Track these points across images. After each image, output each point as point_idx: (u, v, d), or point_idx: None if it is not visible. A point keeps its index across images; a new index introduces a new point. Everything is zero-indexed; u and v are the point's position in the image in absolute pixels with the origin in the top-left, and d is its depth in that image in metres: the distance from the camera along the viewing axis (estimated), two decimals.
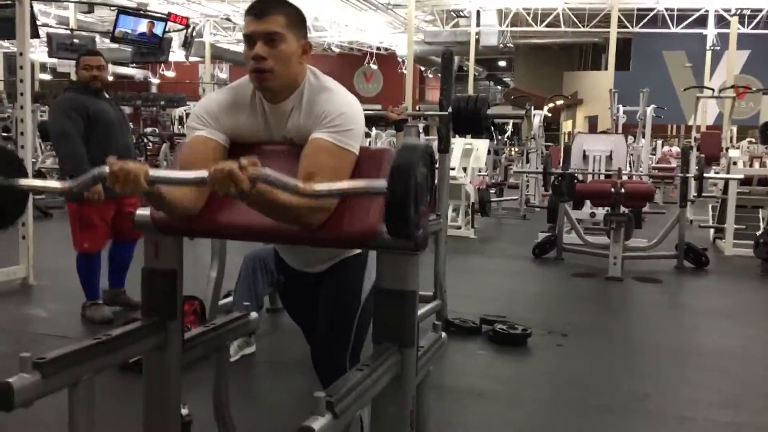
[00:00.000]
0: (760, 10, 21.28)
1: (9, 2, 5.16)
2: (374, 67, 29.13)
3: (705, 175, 6.44)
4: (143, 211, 1.80)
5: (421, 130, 10.50)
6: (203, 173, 1.39)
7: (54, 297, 4.79)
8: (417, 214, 1.39)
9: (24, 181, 1.63)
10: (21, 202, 1.72)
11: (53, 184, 1.69)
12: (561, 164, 6.51)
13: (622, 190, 5.71)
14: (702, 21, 22.07)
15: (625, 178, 6.96)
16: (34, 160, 8.99)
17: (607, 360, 3.82)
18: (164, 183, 1.53)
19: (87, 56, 4.15)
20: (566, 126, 26.40)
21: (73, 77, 18.61)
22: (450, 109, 3.67)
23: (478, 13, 23.69)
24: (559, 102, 22.92)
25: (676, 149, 17.24)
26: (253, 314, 2.21)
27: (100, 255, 4.19)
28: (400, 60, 28.33)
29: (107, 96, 4.23)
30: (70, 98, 4.03)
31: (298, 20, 1.73)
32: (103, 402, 1.67)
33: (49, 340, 3.81)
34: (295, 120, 1.74)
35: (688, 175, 6.38)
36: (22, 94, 4.92)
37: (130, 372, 2.69)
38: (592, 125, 23.29)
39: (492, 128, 6.30)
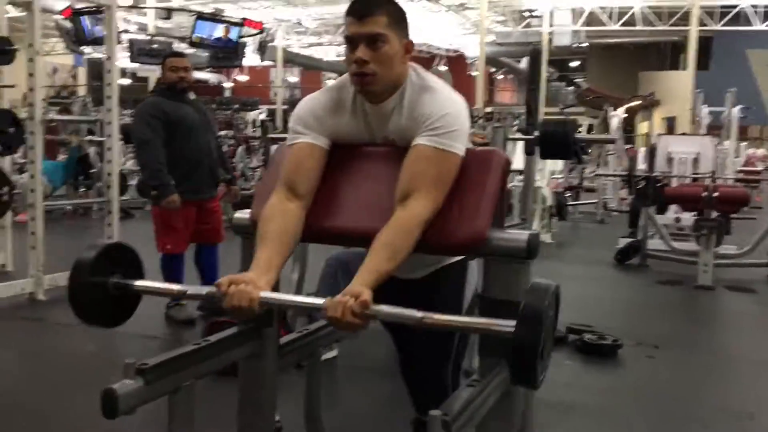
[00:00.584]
0: None
1: (98, 8, 5.30)
2: (444, 68, 28.95)
3: None
4: (242, 214, 1.76)
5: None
6: (319, 303, 1.42)
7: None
8: (543, 361, 1.33)
9: (140, 283, 1.62)
10: (133, 302, 1.69)
11: (170, 286, 1.72)
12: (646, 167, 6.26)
13: (715, 194, 5.43)
14: None
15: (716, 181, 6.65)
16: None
17: (703, 374, 3.61)
18: (275, 305, 1.58)
19: (173, 57, 4.21)
20: (642, 128, 25.60)
21: (152, 82, 19.10)
22: (537, 133, 3.57)
23: (552, 12, 23.27)
24: (636, 103, 22.24)
25: (762, 151, 16.47)
26: None
27: (183, 256, 4.24)
28: (468, 61, 28.10)
29: (192, 97, 4.25)
30: (152, 103, 4.08)
31: (400, 18, 1.66)
32: (198, 408, 1.64)
33: (135, 339, 3.87)
34: (396, 121, 1.67)
35: None
36: (109, 97, 5.05)
37: (222, 377, 2.68)
38: (670, 127, 22.50)
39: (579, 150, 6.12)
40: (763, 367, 3.77)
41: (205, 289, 1.56)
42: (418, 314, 1.39)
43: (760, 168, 12.49)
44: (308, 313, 1.62)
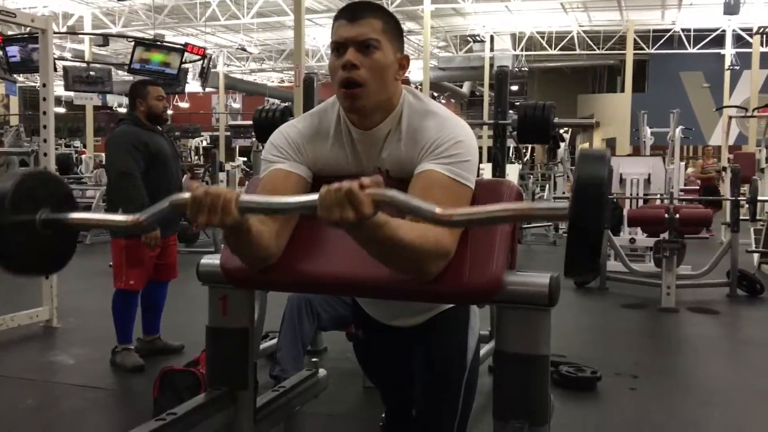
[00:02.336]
0: None
1: (31, 35, 4.96)
2: None
3: (759, 198, 6.11)
4: (210, 260, 1.51)
5: None
6: (312, 197, 1.11)
7: (80, 341, 4.49)
8: (600, 246, 1.09)
9: (78, 215, 1.35)
10: (70, 241, 1.43)
11: (117, 217, 1.39)
12: None
13: (677, 216, 5.39)
14: (719, 41, 21.84)
15: (666, 202, 6.66)
16: None
17: (689, 406, 3.44)
18: (260, 211, 1.25)
19: (155, 86, 3.95)
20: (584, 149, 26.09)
21: (88, 111, 18.40)
22: (514, 117, 3.42)
23: (492, 37, 23.62)
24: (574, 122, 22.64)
25: (691, 170, 16.86)
26: (322, 371, 1.93)
27: (139, 295, 3.92)
28: (413, 86, 28.24)
29: (160, 128, 4.02)
30: (131, 133, 3.79)
31: (396, 28, 1.45)
32: None
33: (78, 391, 3.52)
34: (393, 149, 1.45)
35: (740, 198, 6.05)
36: (45, 127, 4.69)
37: None
38: (611, 148, 22.99)
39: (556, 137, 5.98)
40: (746, 395, 3.66)
41: (167, 205, 1.22)
42: (436, 209, 1.12)
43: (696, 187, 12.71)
44: (298, 213, 1.24)
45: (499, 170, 3.70)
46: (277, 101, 25.27)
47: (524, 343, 1.32)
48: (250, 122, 4.23)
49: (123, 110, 26.30)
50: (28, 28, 6.36)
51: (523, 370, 1.32)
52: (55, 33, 7.84)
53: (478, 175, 1.43)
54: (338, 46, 1.41)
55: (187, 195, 1.17)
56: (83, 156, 17.04)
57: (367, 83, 1.39)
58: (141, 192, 3.66)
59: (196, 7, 19.35)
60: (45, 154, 4.75)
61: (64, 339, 4.57)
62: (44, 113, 4.69)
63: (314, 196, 1.10)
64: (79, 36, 19.24)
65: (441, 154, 1.37)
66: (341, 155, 1.49)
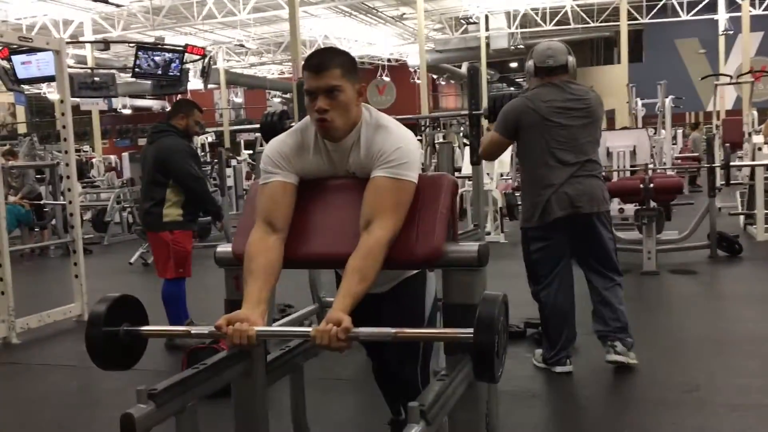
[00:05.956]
0: None
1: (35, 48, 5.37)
2: (386, 79, 29.38)
3: (732, 163, 6.49)
4: (224, 248, 1.96)
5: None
6: (308, 332, 1.65)
7: None
8: (499, 359, 1.56)
9: (148, 328, 1.82)
10: (141, 346, 1.86)
11: (175, 328, 1.91)
12: None
13: (651, 186, 5.79)
14: (712, 6, 22.00)
15: (651, 172, 7.04)
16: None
17: (655, 355, 3.89)
18: (270, 336, 1.86)
19: (199, 112, 4.50)
20: None
21: (95, 115, 18.67)
22: (485, 106, 3.83)
23: (487, 17, 23.87)
24: None
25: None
26: None
27: (185, 282, 4.46)
28: (411, 70, 28.56)
29: None
30: (185, 144, 4.38)
31: (351, 67, 1.88)
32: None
33: (115, 373, 3.97)
34: (355, 156, 1.90)
35: (714, 165, 6.44)
36: (65, 140, 5.14)
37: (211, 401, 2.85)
38: (609, 120, 23.27)
39: None
40: (709, 342, 4.09)
41: (207, 329, 1.74)
42: (392, 331, 1.61)
43: (696, 154, 13.06)
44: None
45: (476, 156, 4.10)
46: (277, 101, 25.55)
47: (463, 296, 1.76)
48: (251, 125, 4.76)
49: (127, 112, 26.79)
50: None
51: (464, 316, 1.75)
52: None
53: None
54: (309, 93, 1.85)
55: (223, 329, 1.66)
56: (93, 160, 17.50)
57: (334, 119, 1.84)
58: (209, 190, 4.59)
59: (193, 6, 19.71)
60: (67, 164, 5.21)
61: None
62: (64, 127, 5.15)
63: (309, 330, 1.64)
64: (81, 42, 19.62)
65: (385, 161, 1.82)
66: (320, 163, 1.95)
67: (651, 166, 7.11)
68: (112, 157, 18.03)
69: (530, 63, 3.59)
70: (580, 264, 3.74)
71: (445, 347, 1.79)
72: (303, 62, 1.87)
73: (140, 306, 1.84)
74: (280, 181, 1.90)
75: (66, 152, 5.19)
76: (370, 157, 1.86)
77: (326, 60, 1.83)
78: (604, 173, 3.80)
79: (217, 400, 2.20)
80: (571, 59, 3.55)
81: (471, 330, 1.51)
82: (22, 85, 13.09)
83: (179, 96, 27.18)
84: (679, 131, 18.13)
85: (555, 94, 3.48)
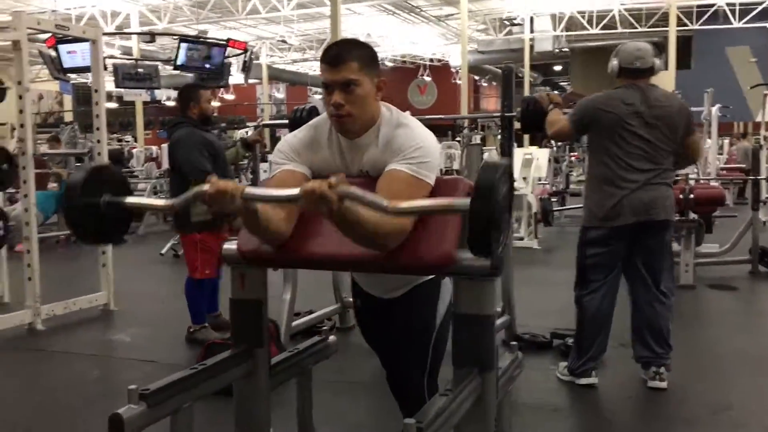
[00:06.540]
0: None
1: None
2: (428, 78, 29.22)
3: None
4: (230, 245, 1.89)
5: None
6: (295, 191, 1.49)
7: (135, 322, 5.00)
8: (498, 232, 1.44)
9: (130, 199, 1.74)
10: (127, 219, 1.82)
11: (157, 202, 1.80)
12: None
13: (691, 196, 5.60)
14: (765, 14, 21.38)
15: (692, 182, 6.82)
16: None
17: (687, 371, 3.73)
18: (258, 200, 1.63)
19: (204, 90, 4.36)
20: None
21: (138, 106, 18.92)
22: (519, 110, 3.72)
23: (531, 19, 23.57)
24: None
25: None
26: (332, 338, 2.29)
27: (218, 282, 4.43)
28: (453, 70, 28.37)
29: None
30: (197, 135, 4.19)
31: (371, 61, 1.79)
32: (196, 428, 1.76)
33: (135, 364, 3.99)
34: (371, 154, 1.81)
35: (759, 177, 6.20)
36: (98, 129, 5.18)
37: (216, 398, 2.80)
38: None
39: None
40: (744, 360, 3.91)
41: (191, 195, 1.61)
42: (384, 202, 1.48)
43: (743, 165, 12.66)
44: (285, 203, 1.67)
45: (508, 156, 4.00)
46: (318, 98, 25.65)
47: (474, 306, 1.67)
48: (281, 121, 4.63)
49: (171, 104, 27.15)
50: None
51: (473, 327, 1.66)
52: (104, 33, 8.37)
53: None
54: (326, 86, 1.77)
55: (206, 187, 1.56)
56: (134, 150, 17.74)
57: (352, 114, 1.76)
58: None
59: (238, 1, 19.88)
60: (99, 153, 5.24)
61: (121, 320, 5.08)
62: (97, 116, 5.17)
63: (296, 191, 1.49)
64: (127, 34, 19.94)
65: (404, 157, 1.73)
66: (332, 160, 1.86)
67: (693, 176, 6.87)
68: (153, 148, 18.26)
69: (615, 62, 3.43)
70: (630, 276, 3.55)
71: (453, 358, 1.69)
72: (320, 54, 1.79)
73: (122, 177, 1.78)
74: (289, 169, 1.84)
75: (98, 141, 5.22)
76: (388, 153, 1.76)
77: (343, 52, 1.75)
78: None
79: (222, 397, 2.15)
80: (659, 62, 3.41)
81: (467, 200, 1.41)
82: (69, 75, 13.38)
83: (221, 90, 27.46)
84: (726, 141, 17.67)
85: (637, 98, 3.33)
